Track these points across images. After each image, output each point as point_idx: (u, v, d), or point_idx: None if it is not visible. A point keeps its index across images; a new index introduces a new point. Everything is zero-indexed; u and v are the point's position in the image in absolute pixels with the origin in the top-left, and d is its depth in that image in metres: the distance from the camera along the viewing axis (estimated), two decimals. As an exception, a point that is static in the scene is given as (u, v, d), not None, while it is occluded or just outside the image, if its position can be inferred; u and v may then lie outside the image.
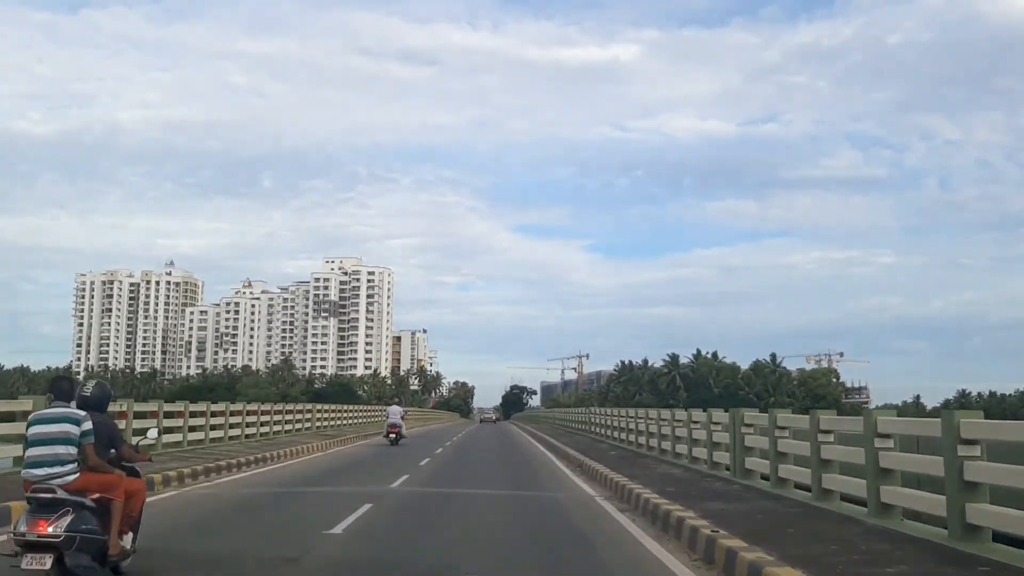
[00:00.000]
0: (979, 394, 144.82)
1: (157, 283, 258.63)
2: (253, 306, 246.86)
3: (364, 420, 50.71)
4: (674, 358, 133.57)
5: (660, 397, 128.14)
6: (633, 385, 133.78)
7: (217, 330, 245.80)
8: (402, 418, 32.70)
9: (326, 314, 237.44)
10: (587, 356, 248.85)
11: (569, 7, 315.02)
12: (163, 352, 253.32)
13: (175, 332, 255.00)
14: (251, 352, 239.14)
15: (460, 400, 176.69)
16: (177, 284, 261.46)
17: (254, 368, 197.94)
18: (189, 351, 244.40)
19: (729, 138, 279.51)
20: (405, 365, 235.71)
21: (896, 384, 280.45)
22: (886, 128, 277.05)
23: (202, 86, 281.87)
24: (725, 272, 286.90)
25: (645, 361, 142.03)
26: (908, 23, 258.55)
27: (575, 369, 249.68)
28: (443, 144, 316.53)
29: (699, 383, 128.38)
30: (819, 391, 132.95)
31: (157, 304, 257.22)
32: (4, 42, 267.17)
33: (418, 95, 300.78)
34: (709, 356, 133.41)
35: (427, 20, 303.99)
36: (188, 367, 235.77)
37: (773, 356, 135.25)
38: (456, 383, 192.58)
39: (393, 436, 30.74)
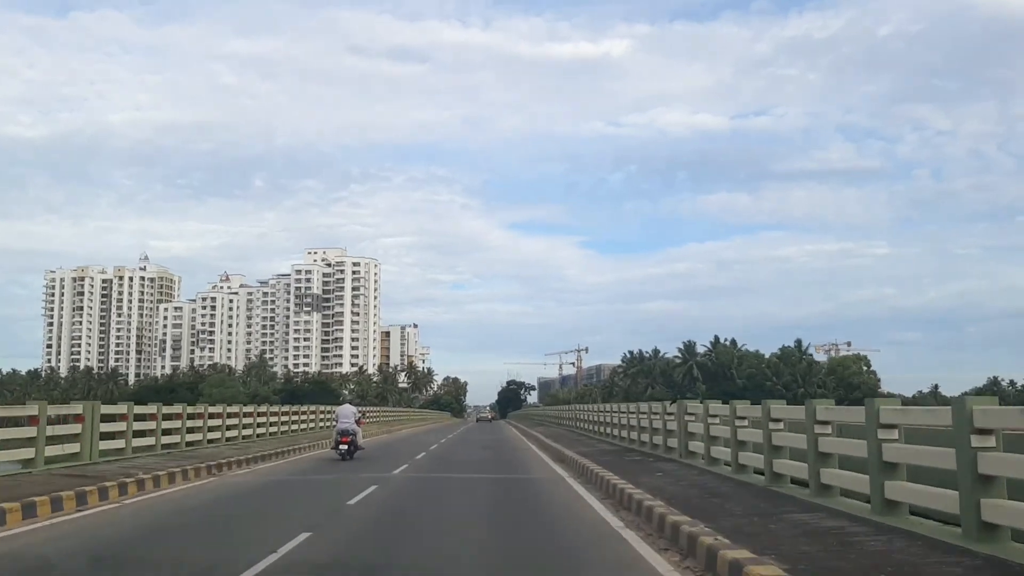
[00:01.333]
0: (1011, 382, 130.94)
1: (131, 279, 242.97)
2: (231, 301, 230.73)
3: (314, 425, 38.97)
4: (689, 346, 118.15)
5: (675, 390, 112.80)
6: (644, 377, 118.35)
7: (193, 327, 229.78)
8: (357, 422, 23.53)
9: (308, 308, 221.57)
10: (586, 350, 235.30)
11: (559, 2, 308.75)
12: (138, 352, 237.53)
13: (150, 331, 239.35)
14: (230, 350, 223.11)
15: (451, 398, 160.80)
16: (152, 280, 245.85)
17: (233, 367, 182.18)
18: (164, 350, 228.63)
19: (721, 132, 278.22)
20: (395, 362, 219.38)
21: (893, 375, 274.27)
22: (878, 120, 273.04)
23: (192, 87, 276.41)
24: (720, 266, 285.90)
25: (656, 351, 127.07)
26: (898, 14, 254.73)
27: (573, 364, 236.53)
28: (435, 142, 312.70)
29: (719, 374, 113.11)
30: (851, 380, 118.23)
31: (131, 301, 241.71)
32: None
33: (409, 93, 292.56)
34: (728, 344, 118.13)
35: (417, 17, 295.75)
36: (163, 367, 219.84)
37: (799, 343, 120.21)
38: (447, 379, 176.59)
39: (345, 448, 22.30)
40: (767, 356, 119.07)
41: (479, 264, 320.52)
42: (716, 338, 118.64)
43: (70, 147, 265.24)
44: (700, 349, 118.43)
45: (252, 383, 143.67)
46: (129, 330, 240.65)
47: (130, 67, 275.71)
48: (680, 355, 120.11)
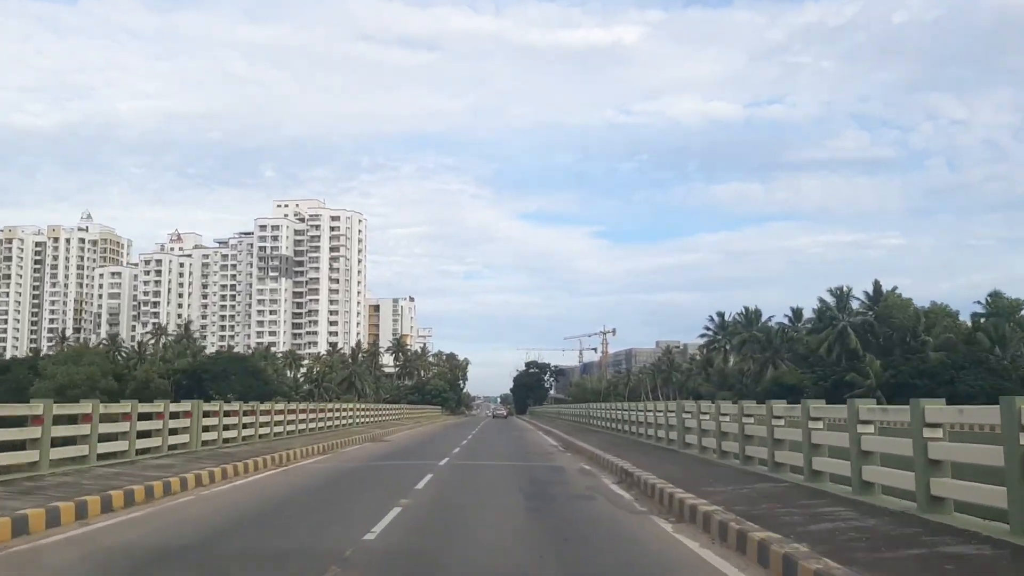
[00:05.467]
0: None
1: (68, 242, 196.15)
2: (182, 265, 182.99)
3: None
4: (841, 296, 69.14)
5: (821, 371, 64.85)
6: (758, 351, 70.52)
7: (134, 296, 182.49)
8: None
9: (275, 274, 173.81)
10: (613, 331, 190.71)
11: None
12: (76, 327, 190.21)
13: (89, 301, 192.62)
14: (179, 325, 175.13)
15: (444, 383, 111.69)
16: (94, 243, 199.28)
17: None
18: (99, 324, 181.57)
19: (734, 120, 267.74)
20: (387, 343, 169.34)
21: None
22: (892, 108, 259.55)
23: (202, 75, 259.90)
24: (732, 256, 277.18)
25: (757, 313, 78.74)
26: (913, 1, 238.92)
27: (595, 349, 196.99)
28: (445, 131, 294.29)
29: (891, 341, 65.11)
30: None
31: (68, 268, 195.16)
32: (3, 34, 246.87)
33: (419, 81, 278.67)
34: (896, 295, 69.54)
35: (428, 4, 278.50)
36: (100, 343, 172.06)
37: (996, 294, 71.37)
38: (439, 354, 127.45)
39: None
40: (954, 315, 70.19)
41: (489, 254, 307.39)
42: (877, 285, 69.50)
43: (80, 136, 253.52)
44: (852, 303, 69.43)
45: (162, 361, 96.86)
46: (65, 301, 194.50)
47: (140, 55, 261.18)
48: (818, 315, 71.28)
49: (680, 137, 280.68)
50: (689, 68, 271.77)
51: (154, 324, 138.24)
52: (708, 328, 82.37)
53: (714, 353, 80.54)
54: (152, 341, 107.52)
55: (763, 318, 79.00)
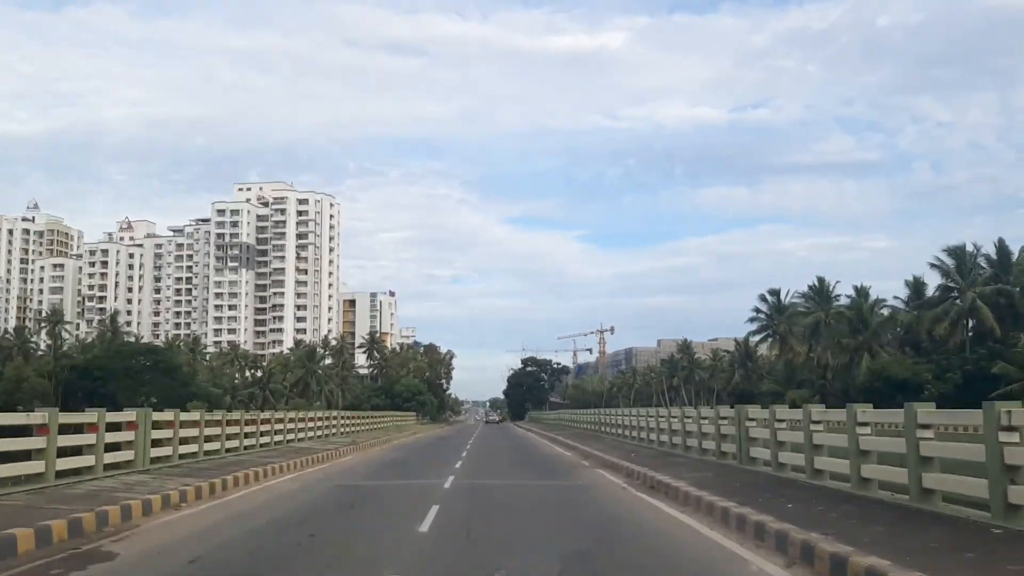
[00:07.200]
0: None
1: (11, 232, 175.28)
2: (131, 256, 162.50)
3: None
4: (962, 259, 48.38)
5: (943, 360, 45.87)
6: (847, 335, 51.31)
7: (79, 291, 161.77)
8: None
9: (235, 264, 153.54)
10: (611, 330, 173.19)
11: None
12: (21, 324, 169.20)
13: (31, 296, 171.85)
14: (128, 322, 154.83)
15: (422, 382, 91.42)
16: (40, 234, 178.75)
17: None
18: (40, 323, 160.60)
19: (720, 124, 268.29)
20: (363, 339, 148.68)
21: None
22: (877, 111, 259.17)
23: (187, 82, 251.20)
24: (720, 259, 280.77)
25: (828, 288, 59.67)
26: (897, 4, 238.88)
27: (590, 350, 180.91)
28: (432, 135, 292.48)
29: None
30: None
31: (11, 260, 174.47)
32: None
33: (406, 86, 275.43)
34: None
35: (415, 10, 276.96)
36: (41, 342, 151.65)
37: None
38: (413, 346, 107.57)
39: None
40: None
41: (477, 259, 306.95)
42: (1002, 244, 49.77)
43: (65, 143, 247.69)
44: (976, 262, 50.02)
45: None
46: (7, 297, 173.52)
47: (125, 61, 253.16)
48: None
49: (666, 142, 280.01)
50: (675, 73, 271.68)
51: (37, 312, 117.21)
52: (759, 311, 63.01)
53: (771, 341, 61.53)
54: (45, 329, 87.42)
55: (836, 297, 60.04)
